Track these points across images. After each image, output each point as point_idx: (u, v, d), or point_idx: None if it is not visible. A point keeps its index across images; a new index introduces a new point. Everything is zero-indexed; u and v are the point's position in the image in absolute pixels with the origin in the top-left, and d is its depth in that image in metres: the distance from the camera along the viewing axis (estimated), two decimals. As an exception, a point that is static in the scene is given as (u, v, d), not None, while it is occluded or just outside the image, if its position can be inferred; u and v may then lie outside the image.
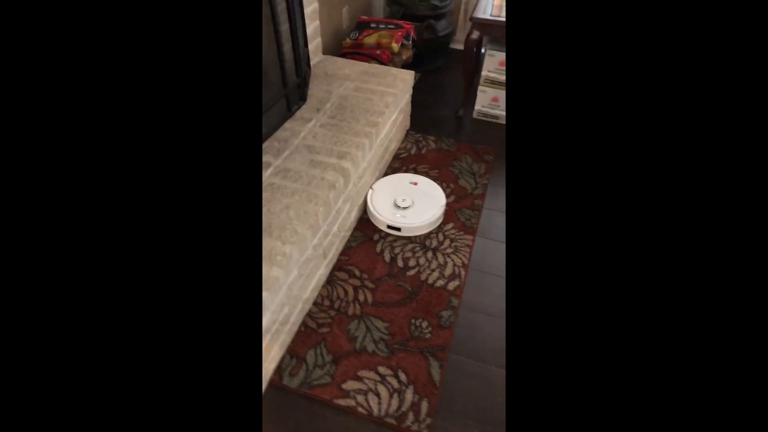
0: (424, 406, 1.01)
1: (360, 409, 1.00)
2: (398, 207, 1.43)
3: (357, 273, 1.30)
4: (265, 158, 1.26)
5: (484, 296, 1.25)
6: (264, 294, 0.92)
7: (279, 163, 1.25)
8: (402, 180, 1.54)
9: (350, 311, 1.20)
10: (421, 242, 1.39)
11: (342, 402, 1.01)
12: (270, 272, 0.96)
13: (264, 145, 1.31)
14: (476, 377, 1.07)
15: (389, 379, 1.05)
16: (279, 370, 1.07)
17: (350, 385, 1.04)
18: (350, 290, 1.25)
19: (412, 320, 1.18)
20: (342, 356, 1.10)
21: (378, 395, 1.02)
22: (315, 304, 1.21)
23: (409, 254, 1.35)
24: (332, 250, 1.29)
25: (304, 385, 1.04)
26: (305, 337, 1.14)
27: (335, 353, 1.10)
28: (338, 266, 1.32)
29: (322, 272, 1.24)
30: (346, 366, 1.08)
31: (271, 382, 1.05)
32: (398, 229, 1.39)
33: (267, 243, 1.02)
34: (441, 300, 1.23)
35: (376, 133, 1.42)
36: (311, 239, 1.10)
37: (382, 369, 1.07)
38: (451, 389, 1.05)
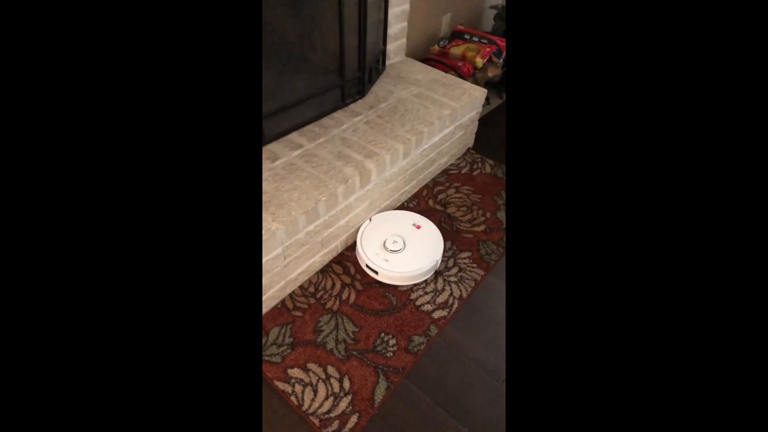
0: (353, 420, 0.98)
1: (292, 398, 1.01)
2: (386, 248, 1.29)
3: (352, 271, 1.30)
4: (298, 140, 1.33)
5: (468, 337, 1.16)
6: (234, 260, 0.98)
7: (310, 147, 1.31)
8: (406, 218, 1.39)
9: (329, 304, 1.21)
10: (427, 262, 1.34)
11: (280, 385, 1.03)
12: (249, 242, 1.01)
13: (305, 128, 1.37)
14: (418, 413, 1.01)
15: (333, 381, 1.05)
16: (242, 334, 1.13)
17: (295, 372, 1.06)
18: (338, 285, 1.26)
19: (382, 334, 1.15)
20: (301, 343, 1.12)
21: (315, 392, 1.03)
22: (301, 287, 1.25)
23: (410, 269, 1.32)
24: (336, 243, 1.31)
25: (255, 356, 1.09)
26: (277, 313, 1.18)
27: (296, 338, 1.13)
28: (338, 259, 1.33)
29: (317, 260, 1.27)
30: (300, 353, 1.10)
31: (230, 343, 1.12)
32: (375, 272, 1.26)
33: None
34: (420, 324, 1.18)
35: (416, 142, 1.40)
36: (305, 225, 1.13)
37: (330, 369, 1.07)
38: (386, 414, 1.00)
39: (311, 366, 1.07)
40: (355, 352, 1.11)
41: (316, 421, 0.98)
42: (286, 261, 1.15)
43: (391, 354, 1.11)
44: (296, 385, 1.04)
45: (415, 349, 1.12)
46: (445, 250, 1.38)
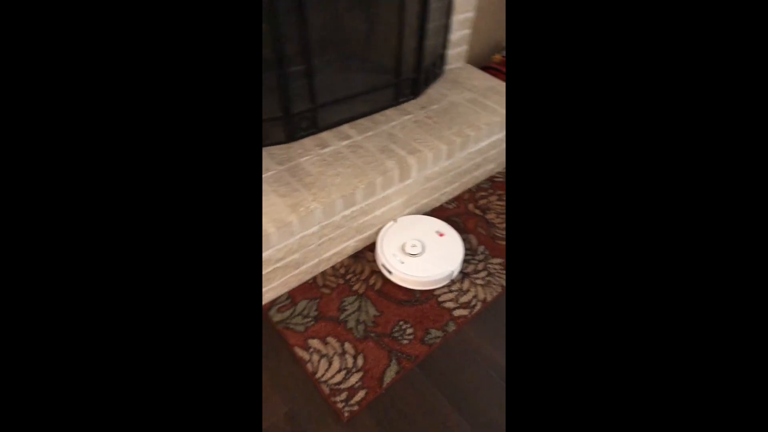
0: (360, 395, 1.04)
1: (308, 365, 1.09)
2: (404, 251, 1.30)
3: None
4: (349, 131, 1.41)
5: (484, 339, 1.17)
6: (273, 230, 1.08)
7: (358, 139, 1.39)
8: (431, 224, 1.40)
9: (355, 287, 1.28)
10: (457, 262, 1.37)
11: (299, 351, 1.12)
12: (288, 217, 1.11)
13: (357, 121, 1.46)
14: (423, 401, 1.04)
15: (347, 357, 1.11)
16: (273, 303, 1.23)
17: (315, 343, 1.14)
18: (367, 271, 1.33)
19: (401, 322, 1.19)
20: (324, 318, 1.19)
21: (330, 363, 1.09)
22: (332, 267, 1.33)
23: (438, 267, 1.35)
24: (370, 231, 1.38)
25: (281, 323, 1.18)
26: (307, 288, 1.27)
27: (321, 312, 1.21)
28: (371, 247, 1.40)
29: (350, 244, 1.35)
30: (322, 327, 1.17)
31: (262, 308, 1.22)
32: (390, 273, 1.28)
33: (301, 194, 1.17)
34: (439, 319, 1.21)
35: (461, 144, 1.43)
36: (342, 209, 1.21)
37: (347, 345, 1.13)
38: (392, 396, 1.04)
39: (330, 340, 1.14)
40: (372, 334, 1.16)
41: (326, 389, 1.04)
42: (321, 240, 1.24)
43: (407, 342, 1.15)
44: (314, 354, 1.11)
45: (431, 341, 1.15)
46: (477, 254, 1.39)
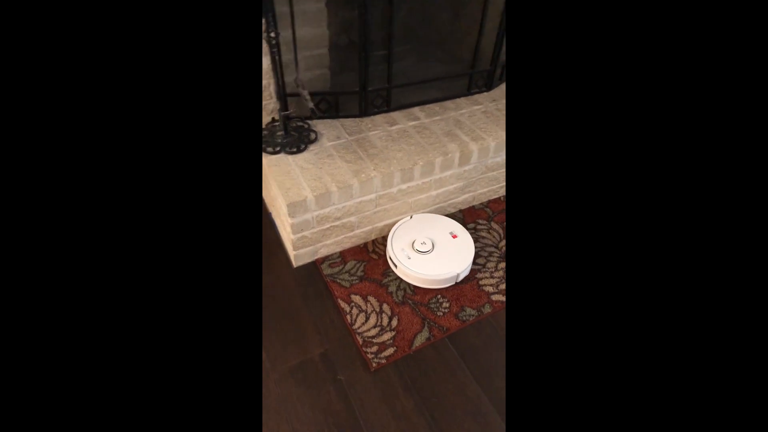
0: (389, 351, 1.12)
1: (347, 316, 1.19)
2: (413, 247, 1.30)
3: (431, 238, 1.43)
4: (418, 113, 1.49)
5: (518, 326, 1.20)
6: (335, 190, 1.19)
7: (425, 121, 1.46)
8: (446, 225, 1.39)
9: (401, 258, 1.36)
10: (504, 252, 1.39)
11: (341, 303, 1.22)
12: (350, 180, 1.22)
13: (428, 106, 1.53)
14: (447, 368, 1.10)
15: (384, 316, 1.20)
16: (325, 258, 1.35)
17: (356, 299, 1.24)
18: (415, 246, 1.40)
19: (439, 296, 1.25)
20: (368, 279, 1.29)
21: (367, 318, 1.19)
22: (383, 236, 1.42)
23: (486, 253, 1.38)
24: (424, 209, 1.45)
25: (330, 276, 1.29)
26: (358, 251, 1.38)
27: (366, 274, 1.30)
28: (422, 225, 1.47)
29: (404, 219, 1.43)
30: (365, 286, 1.27)
31: (315, 261, 1.34)
32: (395, 266, 1.29)
33: (364, 163, 1.28)
34: (476, 300, 1.25)
35: (526, 139, 1.45)
36: (399, 182, 1.30)
37: (385, 306, 1.22)
38: (419, 358, 1.11)
39: (371, 299, 1.24)
40: (410, 302, 1.24)
41: (360, 340, 1.14)
42: (377, 209, 1.33)
43: (441, 314, 1.21)
44: (354, 308, 1.21)
45: (464, 318, 1.20)
46: (524, 247, 1.40)
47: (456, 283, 1.28)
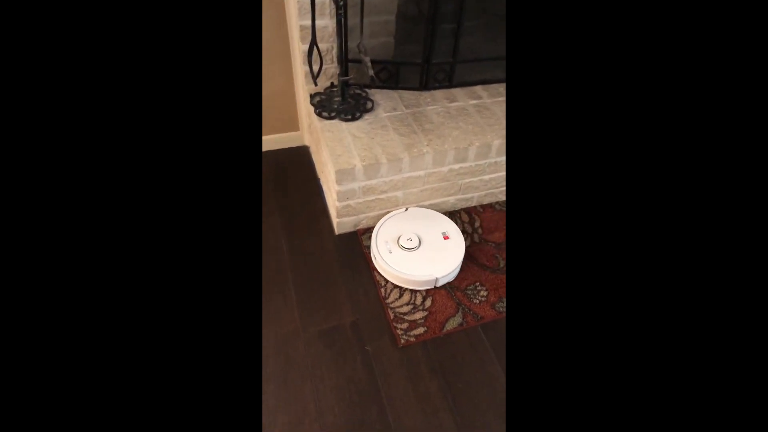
0: (420, 330, 1.11)
1: (382, 290, 1.19)
2: (398, 242, 1.22)
3: (476, 225, 1.38)
4: (480, 92, 1.42)
5: (558, 326, 1.14)
6: (384, 161, 1.17)
7: (487, 101, 1.39)
8: (441, 224, 1.29)
9: (444, 240, 1.33)
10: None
11: (377, 276, 1.22)
12: (401, 154, 1.19)
13: (491, 85, 1.46)
14: (475, 356, 1.07)
15: (418, 296, 1.18)
16: (367, 230, 1.34)
17: (393, 274, 1.23)
18: (459, 230, 1.36)
19: (477, 283, 1.21)
20: (407, 256, 1.27)
21: (401, 295, 1.18)
22: (428, 216, 1.39)
23: (532, 246, 1.32)
24: (474, 194, 1.40)
25: (369, 248, 1.29)
26: (400, 227, 1.36)
27: (406, 251, 1.29)
28: (468, 208, 1.42)
29: (451, 200, 1.39)
30: (403, 263, 1.25)
31: (357, 231, 1.34)
32: (374, 258, 1.23)
33: (417, 137, 1.24)
34: (516, 293, 1.20)
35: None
36: (450, 162, 1.25)
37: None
38: (448, 342, 1.09)
39: (407, 276, 1.22)
40: (448, 287, 1.21)
41: (391, 314, 1.13)
42: (424, 186, 1.30)
43: (477, 302, 1.17)
44: (389, 283, 1.20)
45: (500, 309, 1.16)
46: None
47: (436, 287, 1.20)
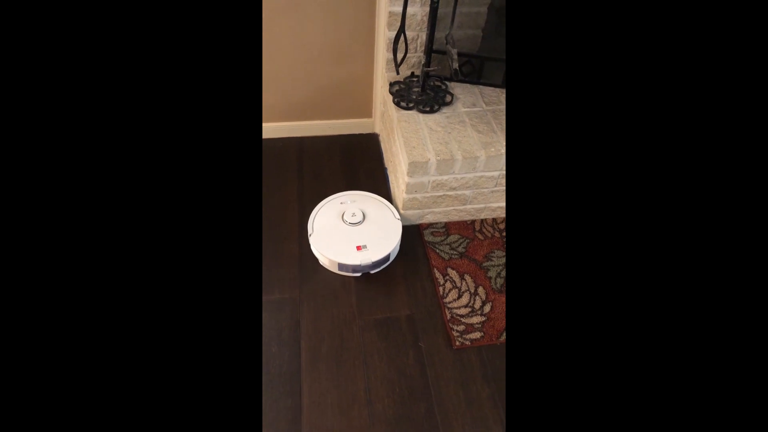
0: (476, 335, 1.08)
1: (440, 288, 1.17)
2: (342, 218, 1.15)
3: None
4: (566, 96, 1.35)
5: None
6: (460, 158, 1.14)
7: (572, 106, 1.32)
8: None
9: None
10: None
11: (437, 273, 1.20)
12: (477, 152, 1.15)
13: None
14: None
15: (477, 299, 1.15)
16: (430, 225, 1.32)
17: (453, 273, 1.20)
18: (526, 236, 1.31)
19: (540, 295, 1.17)
20: (469, 258, 1.24)
21: (459, 296, 1.15)
22: (494, 219, 1.35)
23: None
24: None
25: (431, 244, 1.27)
26: (464, 226, 1.32)
27: (468, 252, 1.26)
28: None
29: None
30: (464, 264, 1.22)
31: (419, 225, 1.33)
32: (310, 234, 1.19)
33: (496, 136, 1.19)
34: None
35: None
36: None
37: (480, 290, 1.17)
38: (504, 353, 1.06)
39: (467, 278, 1.19)
40: (501, 290, 1.17)
41: (448, 314, 1.11)
42: (496, 188, 1.26)
43: (539, 314, 1.13)
44: (448, 282, 1.18)
45: (563, 326, 1.11)
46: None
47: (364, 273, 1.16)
